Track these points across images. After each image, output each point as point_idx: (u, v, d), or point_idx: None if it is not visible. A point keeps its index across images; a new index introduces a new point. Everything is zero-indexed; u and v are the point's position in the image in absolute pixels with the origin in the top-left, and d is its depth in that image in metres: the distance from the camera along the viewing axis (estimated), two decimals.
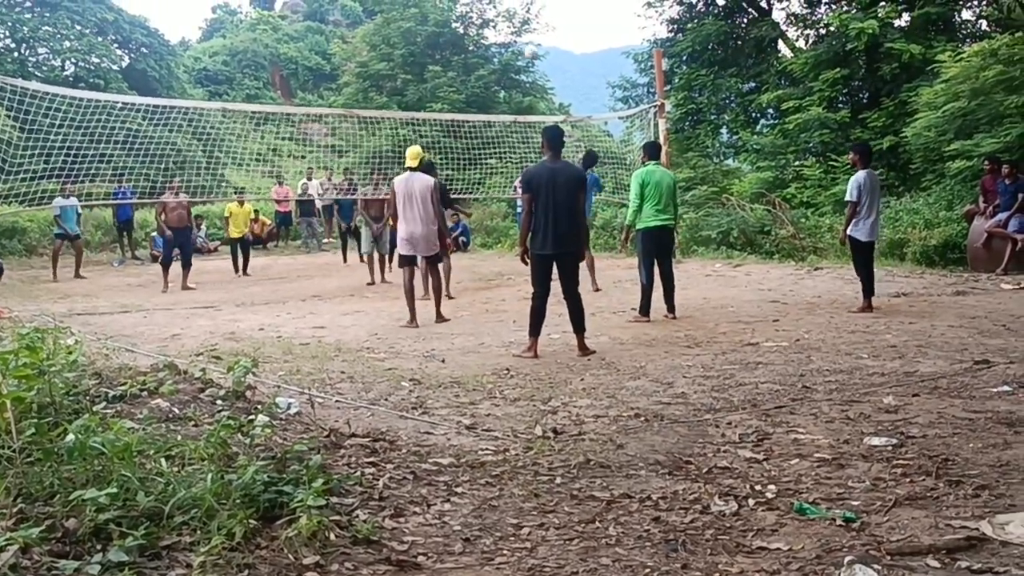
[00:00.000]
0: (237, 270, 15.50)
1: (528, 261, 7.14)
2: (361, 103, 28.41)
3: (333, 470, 3.56)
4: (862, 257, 8.91)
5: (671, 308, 8.77)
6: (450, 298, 10.62)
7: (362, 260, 14.24)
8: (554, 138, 7.15)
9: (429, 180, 8.93)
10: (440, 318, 8.95)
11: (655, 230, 8.70)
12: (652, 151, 9.23)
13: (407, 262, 9.01)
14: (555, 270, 7.07)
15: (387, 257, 13.22)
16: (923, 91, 14.98)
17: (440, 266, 9.62)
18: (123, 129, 15.91)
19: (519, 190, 18.85)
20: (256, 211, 21.46)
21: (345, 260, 16.70)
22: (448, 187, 12.60)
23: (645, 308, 8.62)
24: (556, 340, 7.51)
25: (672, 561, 2.88)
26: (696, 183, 20.14)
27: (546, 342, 7.40)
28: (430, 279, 9.43)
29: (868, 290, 8.79)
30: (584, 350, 6.93)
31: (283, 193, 21.39)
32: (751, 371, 6.04)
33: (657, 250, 8.80)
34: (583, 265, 11.19)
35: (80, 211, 15.75)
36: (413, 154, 9.05)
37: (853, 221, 8.79)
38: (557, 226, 6.85)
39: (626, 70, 26.36)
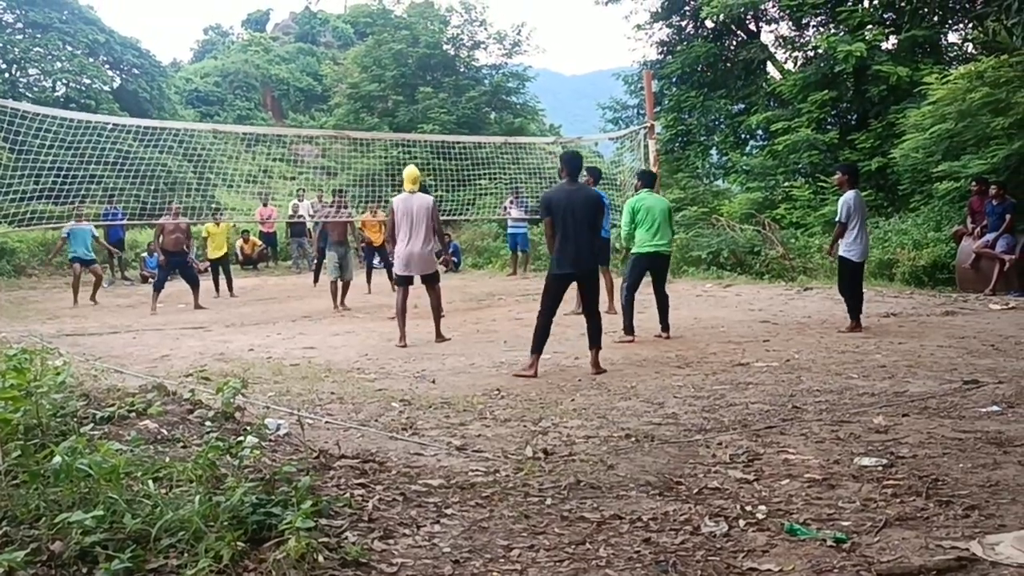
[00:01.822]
0: (218, 290, 15.39)
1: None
2: (352, 124, 28.52)
3: (322, 492, 3.54)
4: (854, 277, 8.94)
5: (665, 327, 8.84)
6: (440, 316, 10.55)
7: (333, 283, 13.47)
8: (572, 162, 7.20)
9: (428, 200, 8.98)
10: (440, 338, 8.91)
11: (648, 256, 8.84)
12: (646, 179, 9.38)
13: (404, 282, 9.03)
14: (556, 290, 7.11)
15: (348, 284, 12.94)
16: (910, 113, 15.12)
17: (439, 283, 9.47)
18: (114, 150, 15.81)
19: (508, 210, 18.87)
20: (247, 231, 21.46)
21: (316, 282, 16.55)
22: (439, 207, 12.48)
23: (629, 327, 8.68)
24: (547, 360, 7.50)
25: None
26: (686, 204, 20.27)
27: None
28: (430, 298, 9.17)
29: (856, 309, 8.84)
30: (597, 367, 6.92)
31: (267, 213, 21.40)
32: (741, 391, 6.05)
33: (652, 274, 8.94)
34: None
35: (95, 233, 15.60)
36: (413, 177, 9.02)
37: (846, 242, 8.81)
38: (578, 247, 6.92)
39: (616, 92, 26.58)
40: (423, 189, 9.30)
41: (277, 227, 22.23)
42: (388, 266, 13.57)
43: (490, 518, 3.48)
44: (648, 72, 17.56)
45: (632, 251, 8.92)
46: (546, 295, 7.10)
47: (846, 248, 8.84)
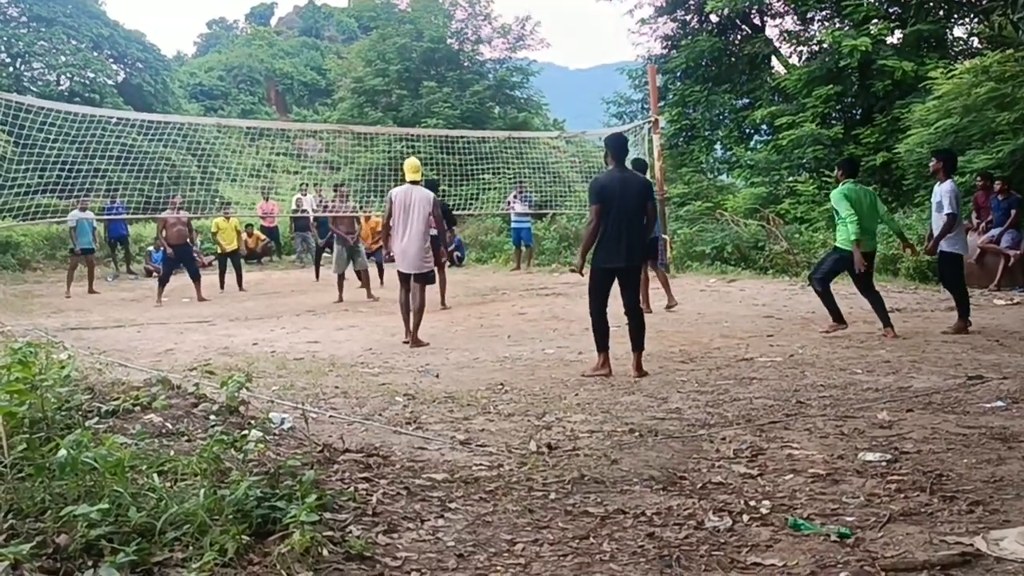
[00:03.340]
0: (223, 285, 15.40)
1: (583, 274, 6.72)
2: (356, 118, 28.53)
3: (326, 485, 3.54)
4: (960, 272, 8.39)
5: (886, 323, 8.14)
6: (445, 307, 10.77)
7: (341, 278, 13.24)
8: (618, 146, 6.67)
9: (429, 194, 8.60)
10: (416, 342, 8.36)
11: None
12: (848, 168, 8.32)
13: (404, 278, 8.68)
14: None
15: (367, 272, 13.08)
16: (915, 108, 15.07)
17: (431, 284, 9.10)
18: (118, 144, 15.89)
19: (512, 204, 18.84)
20: (250, 225, 21.45)
21: (317, 277, 16.56)
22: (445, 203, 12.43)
23: (837, 315, 8.21)
24: (550, 355, 7.50)
25: None
26: (690, 198, 20.27)
27: (540, 357, 7.41)
28: (416, 297, 8.63)
29: (966, 306, 8.22)
30: (640, 370, 6.54)
31: (269, 208, 21.34)
32: (745, 386, 6.04)
33: (850, 270, 8.21)
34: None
35: (95, 224, 15.63)
36: (413, 167, 8.72)
37: (950, 236, 8.08)
38: (630, 237, 6.46)
39: (620, 86, 26.47)
40: (431, 185, 8.91)
41: (280, 221, 22.20)
42: (379, 264, 13.71)
43: (494, 512, 3.48)
44: (652, 67, 17.54)
45: (836, 247, 8.23)
46: (594, 292, 6.61)
47: (950, 243, 8.14)
